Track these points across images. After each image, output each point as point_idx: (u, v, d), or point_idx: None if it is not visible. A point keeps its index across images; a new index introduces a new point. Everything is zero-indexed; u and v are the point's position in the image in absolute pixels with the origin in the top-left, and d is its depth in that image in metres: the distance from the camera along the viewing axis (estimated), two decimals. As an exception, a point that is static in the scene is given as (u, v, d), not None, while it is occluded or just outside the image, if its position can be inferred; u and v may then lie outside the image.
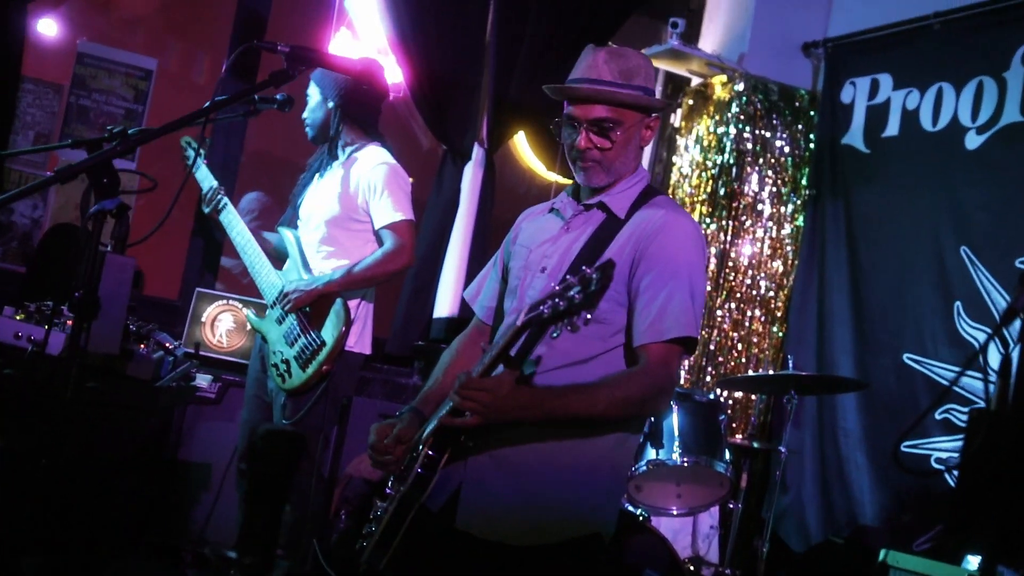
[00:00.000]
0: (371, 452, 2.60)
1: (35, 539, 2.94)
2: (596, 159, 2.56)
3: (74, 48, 5.53)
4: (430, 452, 2.51)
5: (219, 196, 4.11)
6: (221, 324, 4.97)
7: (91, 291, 2.13)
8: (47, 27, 5.86)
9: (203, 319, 4.96)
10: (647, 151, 6.42)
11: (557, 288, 2.22)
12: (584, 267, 2.23)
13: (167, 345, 3.70)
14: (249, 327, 4.56)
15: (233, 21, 5.47)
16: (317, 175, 4.19)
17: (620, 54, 2.58)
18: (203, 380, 4.33)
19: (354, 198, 4.06)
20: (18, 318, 3.37)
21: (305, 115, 4.15)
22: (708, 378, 5.69)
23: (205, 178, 4.17)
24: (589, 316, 2.21)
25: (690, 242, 2.57)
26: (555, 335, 2.26)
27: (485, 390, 2.32)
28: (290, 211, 4.24)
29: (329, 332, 3.91)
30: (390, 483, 2.63)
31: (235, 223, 4.08)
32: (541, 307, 2.24)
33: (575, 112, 2.56)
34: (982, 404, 4.60)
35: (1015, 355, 1.79)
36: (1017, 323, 1.60)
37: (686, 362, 5.75)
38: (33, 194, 5.20)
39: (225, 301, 4.99)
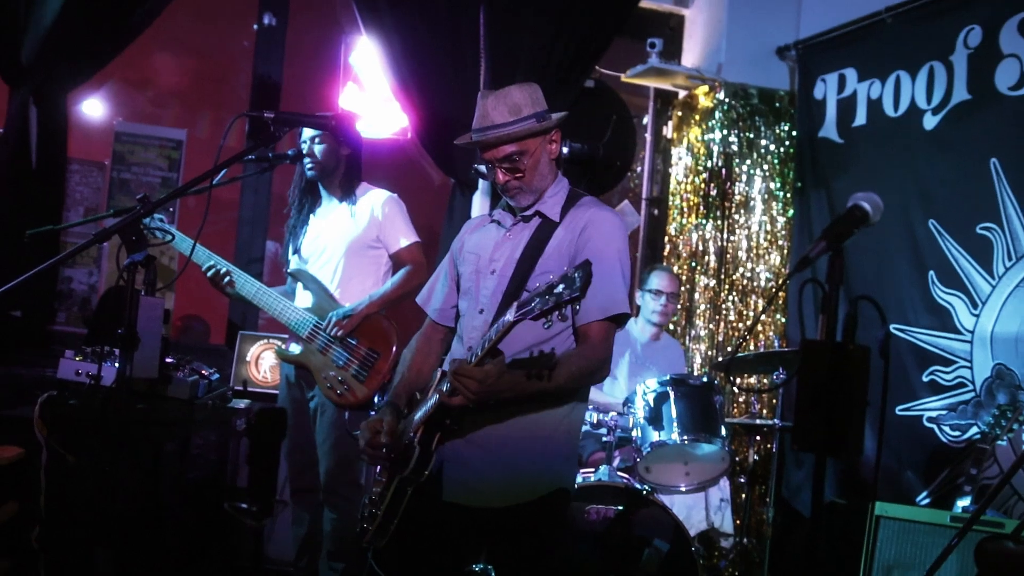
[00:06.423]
0: (366, 447, 3.05)
1: (106, 534, 3.47)
2: (516, 186, 3.04)
3: (112, 128, 6.16)
4: (424, 436, 2.99)
5: (227, 278, 4.47)
6: (264, 361, 5.49)
7: (131, 328, 2.64)
8: (87, 112, 6.53)
9: (248, 358, 5.48)
10: (645, 163, 6.88)
11: (541, 288, 2.63)
12: (553, 273, 2.67)
13: (202, 372, 4.25)
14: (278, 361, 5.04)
15: (250, 89, 6.03)
16: (312, 216, 4.68)
17: (503, 95, 3.01)
18: (239, 403, 4.85)
19: (370, 229, 4.60)
20: (77, 359, 3.99)
21: (317, 157, 4.54)
22: (719, 367, 6.10)
23: (200, 256, 4.49)
24: (578, 307, 2.67)
25: (616, 232, 3.03)
26: (547, 325, 2.66)
27: (475, 379, 2.72)
28: (288, 253, 4.71)
29: (384, 346, 4.47)
30: (378, 470, 3.11)
31: (244, 282, 4.54)
32: (531, 304, 2.64)
33: (486, 156, 3.05)
34: (964, 364, 4.98)
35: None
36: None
37: (698, 354, 6.18)
38: (81, 257, 5.84)
39: (265, 340, 5.51)
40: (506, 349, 2.83)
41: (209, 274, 4.47)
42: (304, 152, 4.52)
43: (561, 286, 2.58)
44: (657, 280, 5.43)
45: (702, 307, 6.23)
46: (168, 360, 4.05)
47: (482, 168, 3.12)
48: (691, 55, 6.65)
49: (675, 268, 6.18)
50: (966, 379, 4.95)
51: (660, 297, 5.40)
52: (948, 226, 5.06)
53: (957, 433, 4.99)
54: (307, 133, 4.54)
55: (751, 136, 6.30)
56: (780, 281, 6.21)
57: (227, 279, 4.47)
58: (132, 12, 5.42)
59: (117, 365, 2.77)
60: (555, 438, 3.02)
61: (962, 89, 5.03)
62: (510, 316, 2.71)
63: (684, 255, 6.33)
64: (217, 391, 4.43)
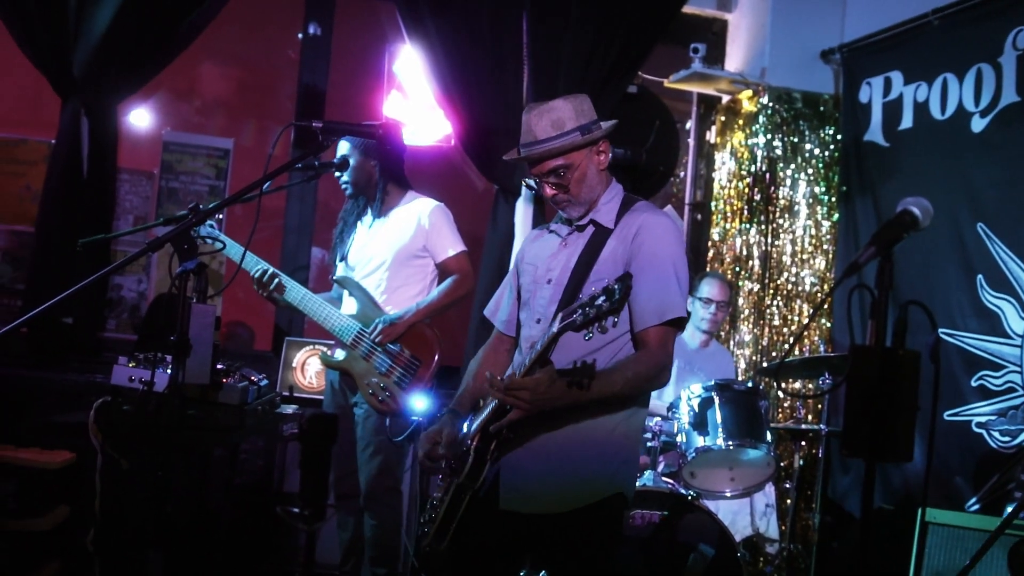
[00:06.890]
0: (424, 458, 3.09)
1: (158, 538, 3.53)
2: (565, 199, 3.06)
3: (160, 138, 6.26)
4: (480, 444, 3.02)
5: (275, 280, 4.51)
6: (310, 367, 5.53)
7: (183, 335, 2.69)
8: (135, 122, 6.64)
9: (294, 364, 5.53)
10: (688, 168, 6.86)
11: (584, 299, 2.68)
12: (607, 279, 2.70)
13: (251, 378, 4.31)
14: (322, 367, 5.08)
15: (295, 98, 6.10)
16: (359, 224, 4.72)
17: (547, 110, 3.02)
18: (287, 408, 4.91)
19: (416, 238, 4.61)
20: (131, 365, 4.08)
21: (346, 175, 4.59)
22: (763, 372, 6.07)
23: (249, 262, 4.52)
24: (616, 320, 2.69)
25: (670, 236, 3.03)
26: (588, 337, 2.71)
27: (526, 389, 2.76)
28: (336, 260, 4.75)
29: (427, 354, 4.50)
30: (440, 477, 3.14)
31: (290, 287, 4.57)
32: (573, 316, 2.70)
33: (533, 171, 3.07)
34: (1014, 368, 4.92)
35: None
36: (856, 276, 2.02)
37: (742, 359, 6.15)
38: (131, 265, 5.92)
39: (311, 346, 5.55)
40: (555, 362, 2.85)
41: (257, 276, 4.52)
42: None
43: (602, 298, 2.63)
44: (708, 288, 5.41)
45: (746, 312, 6.21)
46: (219, 366, 4.11)
47: (531, 182, 3.15)
48: (734, 60, 6.63)
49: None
50: (1016, 384, 4.90)
51: (710, 305, 5.39)
52: (997, 229, 5.00)
53: (1007, 439, 4.93)
54: (340, 150, 4.58)
55: (795, 140, 6.27)
56: (828, 288, 6.17)
57: (275, 281, 4.51)
58: (180, 23, 5.50)
59: (170, 371, 2.81)
60: (611, 442, 3.02)
61: (1011, 91, 4.98)
62: (555, 327, 2.77)
63: (728, 260, 6.31)
64: (266, 397, 4.49)
